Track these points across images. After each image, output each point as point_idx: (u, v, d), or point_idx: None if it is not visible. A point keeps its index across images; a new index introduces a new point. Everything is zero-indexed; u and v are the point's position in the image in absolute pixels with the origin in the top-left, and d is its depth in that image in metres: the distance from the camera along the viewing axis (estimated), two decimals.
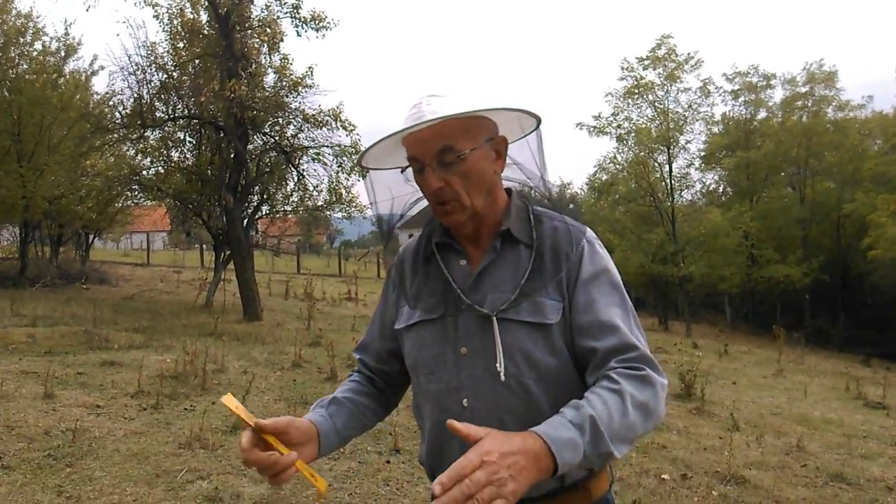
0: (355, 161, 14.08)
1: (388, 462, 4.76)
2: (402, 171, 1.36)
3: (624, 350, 1.20)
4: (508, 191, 1.41)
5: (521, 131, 1.42)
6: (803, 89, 26.89)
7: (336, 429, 1.38)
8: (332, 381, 7.13)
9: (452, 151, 1.26)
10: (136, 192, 15.74)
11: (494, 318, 1.27)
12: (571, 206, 1.52)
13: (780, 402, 8.03)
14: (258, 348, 9.05)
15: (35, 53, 16.03)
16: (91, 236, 21.68)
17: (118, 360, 7.41)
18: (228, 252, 13.90)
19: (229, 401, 1.18)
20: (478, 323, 1.29)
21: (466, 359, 1.29)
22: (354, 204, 14.90)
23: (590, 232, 1.37)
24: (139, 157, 14.93)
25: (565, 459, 0.99)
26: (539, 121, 1.38)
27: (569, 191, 37.47)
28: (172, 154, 14.67)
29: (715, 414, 6.88)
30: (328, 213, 15.85)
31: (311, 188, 14.46)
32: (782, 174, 27.93)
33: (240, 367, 7.69)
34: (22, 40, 15.60)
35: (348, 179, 14.45)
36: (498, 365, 1.25)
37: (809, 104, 26.77)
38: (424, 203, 1.40)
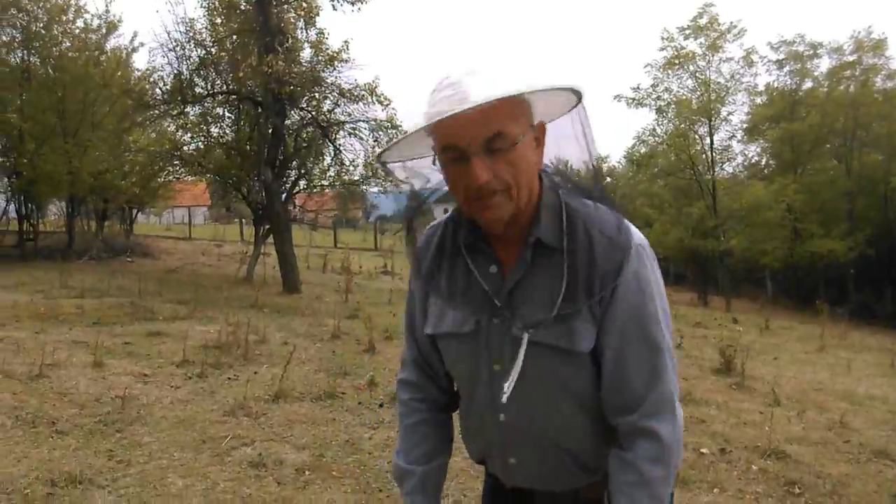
0: (387, 142, 14.15)
1: None
2: (433, 163, 1.23)
3: (643, 413, 1.20)
4: (540, 181, 1.25)
5: (557, 112, 1.26)
6: (851, 58, 25.91)
7: (438, 498, 1.47)
8: (371, 353, 7.22)
9: (504, 138, 1.11)
10: (178, 168, 16.02)
11: (525, 338, 1.20)
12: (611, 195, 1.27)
13: (822, 378, 7.89)
14: (298, 320, 9.20)
15: (77, 31, 16.31)
16: (134, 211, 22.16)
17: (163, 331, 7.61)
18: (268, 226, 14.10)
19: None
20: (510, 340, 1.23)
21: (499, 374, 1.25)
22: (390, 178, 14.91)
23: (635, 240, 1.21)
24: (180, 133, 15.17)
25: None
26: (580, 97, 1.21)
27: (606, 164, 36.86)
28: (212, 130, 14.89)
29: (755, 389, 6.80)
30: (364, 187, 15.95)
31: (347, 163, 14.54)
32: (828, 146, 27.07)
33: (280, 338, 7.83)
34: (64, 18, 15.87)
35: None
36: (506, 386, 1.21)
37: (857, 73, 25.80)
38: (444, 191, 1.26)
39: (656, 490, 1.17)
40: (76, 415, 4.69)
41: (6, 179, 16.33)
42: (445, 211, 1.40)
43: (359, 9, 13.32)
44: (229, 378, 5.94)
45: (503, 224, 1.19)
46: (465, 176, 1.13)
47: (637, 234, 1.22)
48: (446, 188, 1.29)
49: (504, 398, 1.21)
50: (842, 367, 8.69)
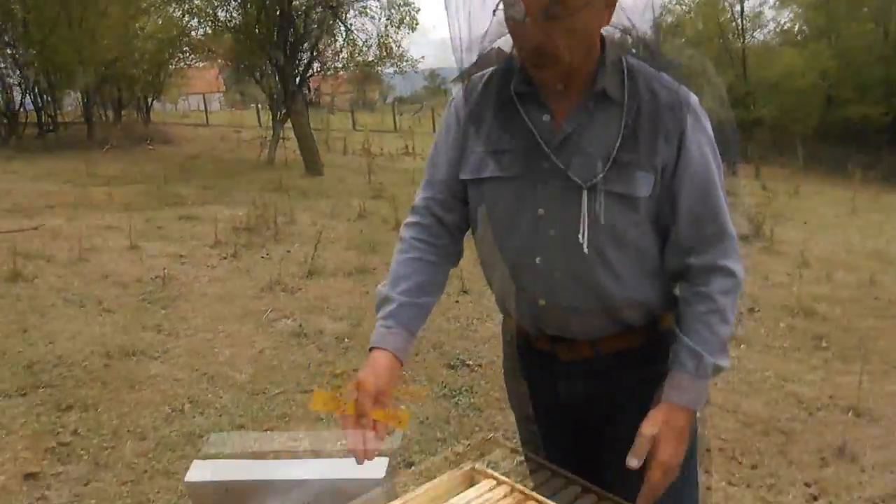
0: (399, 20, 13.71)
1: (457, 302, 4.95)
2: (493, 13, 1.18)
3: (717, 254, 1.25)
4: (601, 39, 1.23)
5: None
6: None
7: (413, 337, 1.33)
8: (397, 230, 7.28)
9: (567, 6, 1.09)
10: (187, 54, 15.65)
11: (585, 192, 1.20)
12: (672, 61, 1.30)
13: (853, 240, 7.85)
14: (323, 201, 9.25)
15: None
16: (150, 99, 21.91)
17: (193, 215, 7.72)
18: (284, 110, 13.91)
19: (319, 400, 1.19)
20: (561, 187, 1.21)
21: (543, 221, 1.23)
22: (406, 59, 14.57)
23: (693, 99, 1.23)
24: (186, 18, 14.73)
25: (701, 407, 1.26)
26: None
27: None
28: (219, 14, 14.40)
29: (784, 253, 6.80)
30: (379, 68, 15.56)
31: (360, 43, 14.12)
32: (865, 9, 25.62)
33: (308, 218, 7.91)
34: None
35: (398, 33, 14.04)
36: (581, 236, 1.21)
37: None
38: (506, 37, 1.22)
39: (727, 317, 1.25)
40: (121, 294, 4.85)
41: (19, 72, 16.11)
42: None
43: None
44: (262, 257, 6.07)
45: (554, 81, 1.20)
46: (520, 32, 1.14)
47: (691, 93, 1.25)
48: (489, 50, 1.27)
49: (585, 248, 1.22)
50: (873, 230, 8.62)
